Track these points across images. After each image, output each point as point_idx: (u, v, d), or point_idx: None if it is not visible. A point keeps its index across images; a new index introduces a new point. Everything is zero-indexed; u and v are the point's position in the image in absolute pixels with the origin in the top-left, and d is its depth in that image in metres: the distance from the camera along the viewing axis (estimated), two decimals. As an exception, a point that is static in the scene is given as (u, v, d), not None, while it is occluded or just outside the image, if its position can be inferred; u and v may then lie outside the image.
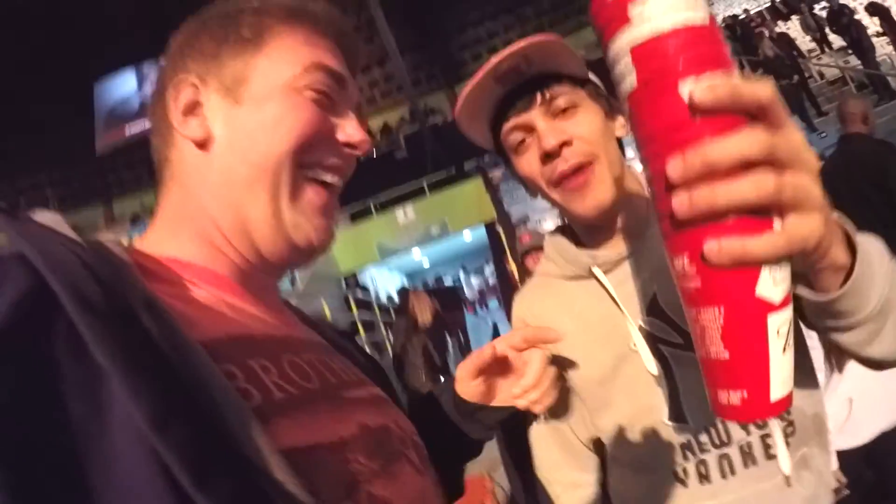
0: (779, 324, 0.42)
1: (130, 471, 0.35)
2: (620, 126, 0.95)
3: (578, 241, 1.01)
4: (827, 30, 11.24)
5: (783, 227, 0.41)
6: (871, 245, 0.62)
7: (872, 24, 10.69)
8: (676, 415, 0.87)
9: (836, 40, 11.47)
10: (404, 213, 12.55)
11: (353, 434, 0.53)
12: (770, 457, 0.85)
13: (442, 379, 5.74)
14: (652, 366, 0.88)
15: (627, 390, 0.92)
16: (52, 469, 0.34)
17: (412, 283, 15.28)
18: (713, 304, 0.43)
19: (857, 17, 10.71)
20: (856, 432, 2.01)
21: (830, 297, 0.58)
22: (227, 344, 0.49)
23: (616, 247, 0.95)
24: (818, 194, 0.43)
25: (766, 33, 11.62)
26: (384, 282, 14.24)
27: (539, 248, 3.96)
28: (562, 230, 1.06)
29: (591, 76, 0.94)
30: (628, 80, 0.45)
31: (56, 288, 0.37)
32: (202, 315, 0.51)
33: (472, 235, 14.35)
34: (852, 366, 1.97)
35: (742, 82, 0.40)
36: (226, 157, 0.59)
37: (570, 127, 0.88)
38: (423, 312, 6.19)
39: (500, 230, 10.90)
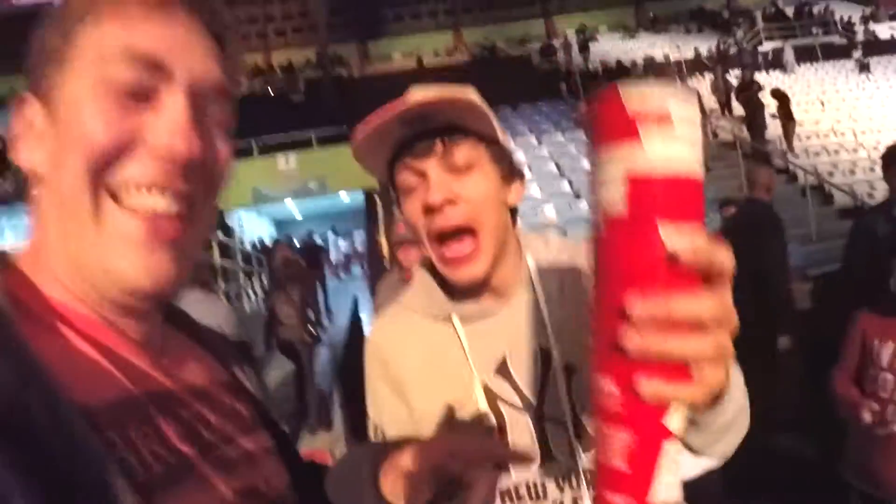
0: (672, 450, 0.48)
1: None
2: (514, 193, 0.96)
3: (445, 283, 1.01)
4: (733, 96, 12.06)
5: (703, 377, 0.46)
6: (734, 378, 0.68)
7: (771, 106, 11.65)
8: (501, 466, 0.92)
9: (738, 108, 12.39)
10: (286, 161, 12.15)
11: (222, 501, 0.53)
12: None
13: (314, 331, 5.94)
14: (490, 419, 0.93)
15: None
16: None
17: (281, 234, 14.94)
18: (625, 426, 0.47)
19: (761, 94, 11.61)
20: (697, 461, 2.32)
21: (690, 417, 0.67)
22: (107, 408, 0.47)
23: (480, 303, 0.98)
24: (731, 351, 0.48)
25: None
26: (251, 227, 13.79)
27: (412, 241, 3.97)
28: (432, 265, 1.03)
29: (500, 135, 0.94)
30: (615, 202, 0.45)
31: None
32: (81, 373, 0.47)
33: (349, 198, 14.18)
34: None
35: (717, 250, 0.45)
36: (45, 189, 0.52)
37: (461, 186, 0.88)
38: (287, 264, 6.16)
39: (379, 200, 10.84)
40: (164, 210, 0.51)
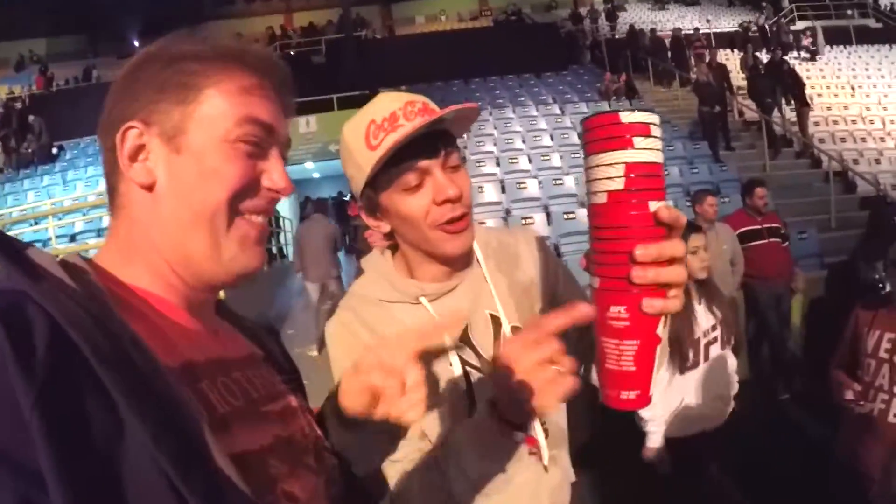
0: (660, 351, 0.68)
1: (140, 471, 0.48)
2: None
3: (403, 269, 1.15)
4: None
5: (678, 294, 0.66)
6: None
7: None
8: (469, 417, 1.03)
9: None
10: (307, 123, 12.17)
11: (270, 443, 0.66)
12: (531, 454, 1.09)
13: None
14: (463, 383, 1.07)
15: (431, 393, 1.06)
16: (99, 470, 0.47)
17: (300, 193, 14.99)
18: (634, 337, 0.66)
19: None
20: (684, 426, 2.56)
21: None
22: (182, 369, 0.61)
23: (442, 281, 1.12)
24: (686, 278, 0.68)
25: (707, 58, 11.90)
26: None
27: None
28: (380, 256, 1.18)
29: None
30: (614, 181, 0.65)
31: (77, 341, 0.49)
32: (160, 343, 0.60)
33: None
34: (690, 373, 2.55)
35: (677, 210, 0.65)
36: (169, 201, 0.66)
37: (460, 182, 1.02)
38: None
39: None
40: (263, 223, 0.72)
